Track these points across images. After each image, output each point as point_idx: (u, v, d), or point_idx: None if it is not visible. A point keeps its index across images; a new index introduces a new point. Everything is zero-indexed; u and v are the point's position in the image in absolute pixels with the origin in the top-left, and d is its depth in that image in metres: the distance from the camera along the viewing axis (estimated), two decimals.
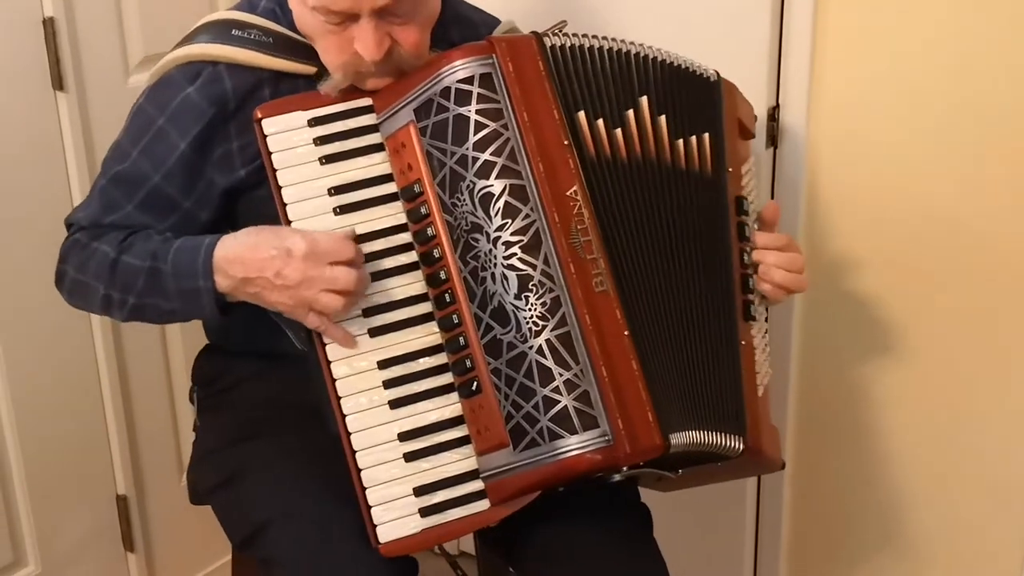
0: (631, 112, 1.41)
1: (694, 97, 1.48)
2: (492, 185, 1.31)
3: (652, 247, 1.38)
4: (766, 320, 1.51)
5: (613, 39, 1.43)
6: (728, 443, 1.37)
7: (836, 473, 1.99)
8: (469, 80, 1.33)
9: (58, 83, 1.95)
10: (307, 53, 1.42)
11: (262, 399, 1.53)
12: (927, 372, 1.85)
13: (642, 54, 1.44)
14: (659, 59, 1.45)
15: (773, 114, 1.85)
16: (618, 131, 1.39)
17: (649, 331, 1.34)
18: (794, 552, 2.07)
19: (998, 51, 1.67)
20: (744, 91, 1.57)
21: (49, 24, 1.92)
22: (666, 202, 1.41)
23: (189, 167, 1.43)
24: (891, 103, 1.77)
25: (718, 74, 1.52)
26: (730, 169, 1.48)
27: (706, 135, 1.46)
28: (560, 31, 1.41)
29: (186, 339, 2.16)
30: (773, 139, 1.87)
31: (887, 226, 1.82)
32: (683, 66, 1.48)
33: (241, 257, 1.33)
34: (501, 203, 1.31)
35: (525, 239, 1.30)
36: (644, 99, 1.42)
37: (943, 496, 1.90)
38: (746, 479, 2.02)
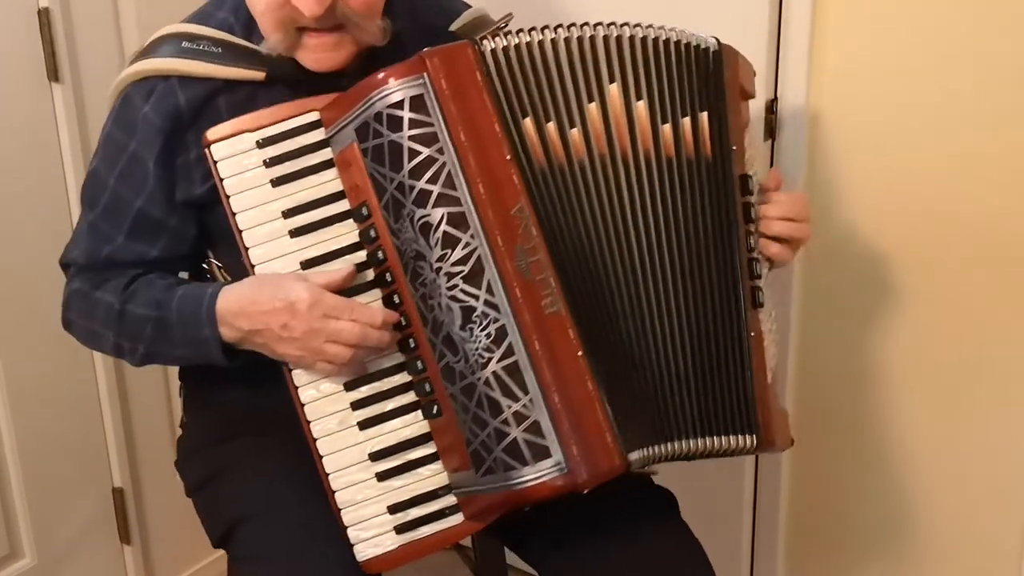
0: (593, 105, 1.32)
1: (687, 74, 1.38)
2: (430, 214, 1.26)
3: (623, 250, 1.32)
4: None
5: (572, 25, 1.33)
6: (738, 444, 1.35)
7: (834, 463, 1.96)
8: (399, 105, 1.26)
9: (53, 74, 1.95)
10: (258, 60, 1.41)
11: (246, 399, 1.52)
12: (928, 361, 1.82)
13: (614, 35, 1.34)
14: (639, 37, 1.36)
15: (771, 107, 1.80)
16: (574, 131, 1.31)
17: (612, 347, 1.30)
18: (792, 544, 2.05)
19: (1000, 39, 1.61)
20: None
21: (44, 15, 1.91)
22: (645, 196, 1.34)
23: (164, 184, 1.43)
24: (891, 95, 1.71)
25: (718, 41, 1.41)
26: (734, 147, 1.39)
27: (704, 114, 1.38)
28: (502, 30, 1.33)
29: None
30: (772, 132, 1.81)
31: (888, 216, 1.78)
32: (674, 40, 1.38)
33: (244, 311, 1.32)
34: (440, 233, 1.25)
35: (466, 269, 1.25)
36: (614, 87, 1.34)
37: (943, 488, 1.87)
38: (743, 459, 2.01)
